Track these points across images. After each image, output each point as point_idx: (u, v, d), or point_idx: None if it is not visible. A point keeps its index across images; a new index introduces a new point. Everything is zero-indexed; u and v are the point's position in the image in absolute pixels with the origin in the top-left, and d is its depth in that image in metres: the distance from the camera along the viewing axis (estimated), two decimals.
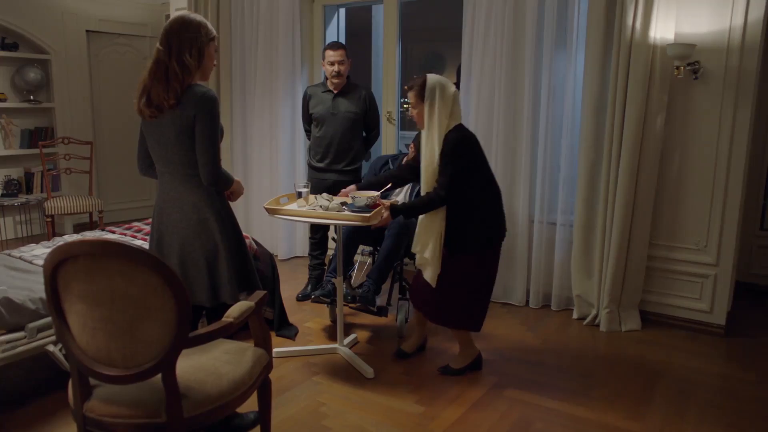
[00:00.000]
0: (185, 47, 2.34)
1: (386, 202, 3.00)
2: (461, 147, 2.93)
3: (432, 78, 2.96)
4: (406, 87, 3.05)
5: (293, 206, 3.19)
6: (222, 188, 2.49)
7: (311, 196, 3.29)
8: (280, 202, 3.25)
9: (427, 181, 3.01)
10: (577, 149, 4.01)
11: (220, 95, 5.57)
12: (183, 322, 1.79)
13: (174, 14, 2.44)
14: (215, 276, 2.46)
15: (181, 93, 2.32)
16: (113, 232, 4.05)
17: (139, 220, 4.51)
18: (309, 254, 4.48)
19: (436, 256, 3.01)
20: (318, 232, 4.39)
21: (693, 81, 3.65)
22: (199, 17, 2.42)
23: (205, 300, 2.46)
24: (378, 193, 3.15)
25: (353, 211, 3.05)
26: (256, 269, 2.65)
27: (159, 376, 1.81)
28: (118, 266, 1.72)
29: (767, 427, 2.74)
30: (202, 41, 2.38)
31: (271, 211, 3.12)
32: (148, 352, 1.79)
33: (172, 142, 2.37)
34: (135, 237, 3.88)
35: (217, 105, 2.37)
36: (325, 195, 3.25)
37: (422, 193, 3.04)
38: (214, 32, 2.46)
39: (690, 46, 3.51)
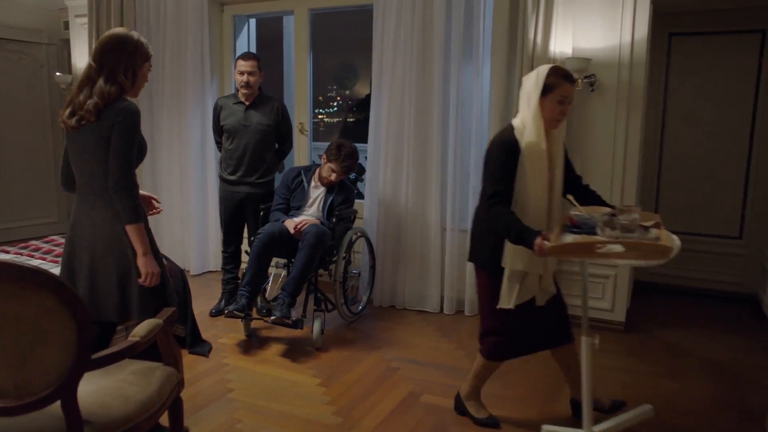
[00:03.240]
0: (119, 67, 2.29)
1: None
2: None
3: None
4: (571, 80, 2.67)
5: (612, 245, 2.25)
6: (124, 203, 2.31)
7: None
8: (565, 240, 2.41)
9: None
10: None
11: None
12: (84, 344, 1.70)
13: (112, 30, 2.39)
14: (126, 293, 2.37)
15: (103, 108, 2.26)
16: (7, 252, 3.79)
17: (37, 239, 4.25)
18: (222, 268, 4.38)
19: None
20: (231, 246, 4.30)
21: (590, 93, 3.88)
22: (137, 35, 2.36)
23: (114, 317, 2.38)
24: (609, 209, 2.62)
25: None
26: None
27: (58, 403, 1.71)
28: (9, 288, 1.61)
29: (664, 415, 2.93)
30: (137, 63, 2.34)
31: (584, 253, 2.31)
32: (45, 378, 1.69)
33: (89, 153, 2.31)
34: (32, 256, 3.66)
35: (136, 117, 2.31)
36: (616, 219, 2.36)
37: (560, 196, 2.70)
38: (151, 51, 2.42)
39: (585, 60, 3.72)
